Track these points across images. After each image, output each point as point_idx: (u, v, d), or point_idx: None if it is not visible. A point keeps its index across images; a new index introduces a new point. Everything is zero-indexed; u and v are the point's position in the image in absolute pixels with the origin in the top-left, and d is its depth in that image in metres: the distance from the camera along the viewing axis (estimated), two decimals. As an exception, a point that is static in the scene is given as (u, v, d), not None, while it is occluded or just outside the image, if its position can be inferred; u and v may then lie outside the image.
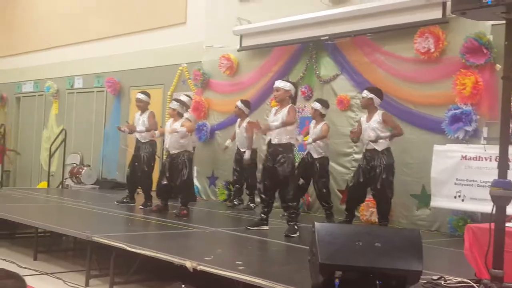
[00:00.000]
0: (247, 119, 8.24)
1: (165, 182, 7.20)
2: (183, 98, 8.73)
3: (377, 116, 6.40)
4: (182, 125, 7.10)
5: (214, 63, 9.60)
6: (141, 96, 8.00)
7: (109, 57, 12.02)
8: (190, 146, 7.34)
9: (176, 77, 10.51)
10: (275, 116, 6.02)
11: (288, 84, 6.12)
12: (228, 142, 8.55)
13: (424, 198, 6.74)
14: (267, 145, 6.16)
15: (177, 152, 7.11)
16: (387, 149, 6.38)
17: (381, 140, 6.32)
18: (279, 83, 6.12)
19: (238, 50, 9.24)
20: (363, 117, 6.61)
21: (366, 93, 6.48)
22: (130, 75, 11.53)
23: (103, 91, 12.19)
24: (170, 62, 10.55)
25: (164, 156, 9.81)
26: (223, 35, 9.50)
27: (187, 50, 10.26)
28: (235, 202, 8.36)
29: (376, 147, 6.35)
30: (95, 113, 12.43)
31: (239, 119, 8.40)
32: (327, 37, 7.86)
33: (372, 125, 6.36)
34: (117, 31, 11.92)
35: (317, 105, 7.22)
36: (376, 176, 6.29)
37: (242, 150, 8.19)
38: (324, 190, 7.05)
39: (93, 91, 12.51)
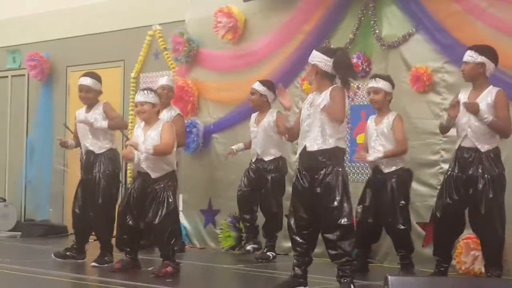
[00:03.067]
0: (274, 111, 8.46)
1: (131, 222, 7.35)
2: (166, 81, 9.04)
3: (489, 93, 6.58)
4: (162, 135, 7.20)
5: (205, 23, 9.78)
6: (87, 81, 8.17)
7: (29, 19, 12.15)
8: (175, 164, 7.54)
9: (144, 47, 10.70)
10: (312, 106, 6.25)
11: (323, 56, 6.25)
12: (239, 146, 8.78)
13: None
14: (300, 155, 6.35)
15: (159, 175, 7.27)
16: (495, 151, 6.55)
17: (487, 135, 6.49)
18: (315, 57, 6.29)
19: (246, 0, 9.40)
20: (463, 93, 6.79)
21: (472, 54, 6.62)
22: (66, 48, 11.68)
23: (23, 74, 12.36)
24: (133, 23, 10.72)
25: (129, 179, 10.03)
26: (219, -23, 9.71)
27: (161, 3, 10.42)
28: (248, 248, 8.58)
29: (478, 144, 6.53)
30: (10, 110, 12.64)
31: (257, 113, 8.63)
32: (392, -27, 8.09)
33: (481, 107, 6.53)
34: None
35: (380, 83, 7.34)
36: (477, 194, 6.46)
37: (265, 159, 8.44)
38: (402, 227, 7.21)
39: (7, 76, 12.72)
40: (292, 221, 6.31)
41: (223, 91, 9.73)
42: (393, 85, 7.42)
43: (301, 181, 6.26)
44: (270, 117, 8.42)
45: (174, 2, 10.24)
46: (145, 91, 7.36)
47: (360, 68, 8.41)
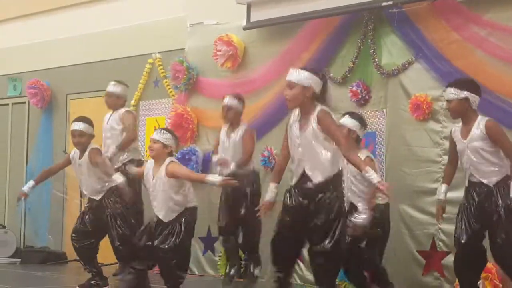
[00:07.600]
0: (243, 126, 8.34)
1: None
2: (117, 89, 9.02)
3: (478, 126, 6.35)
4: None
5: (205, 51, 9.73)
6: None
7: (30, 47, 12.14)
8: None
9: (144, 75, 10.64)
10: (304, 132, 6.05)
11: (315, 77, 6.01)
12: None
13: None
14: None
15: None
16: (504, 181, 6.27)
17: (491, 168, 6.28)
18: (308, 78, 5.97)
19: (245, 29, 9.35)
20: (456, 129, 6.59)
21: (454, 91, 6.41)
22: (67, 76, 11.66)
23: (23, 102, 12.35)
24: (133, 51, 10.69)
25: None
26: (219, 5, 9.64)
27: (161, 32, 10.38)
28: (231, 273, 8.40)
29: (484, 180, 6.31)
30: (10, 138, 12.59)
31: (227, 125, 8.46)
32: (391, 2, 7.89)
33: (473, 143, 6.34)
34: (41, 5, 12.12)
35: (350, 121, 7.09)
36: (493, 225, 6.23)
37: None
38: None
39: (7, 103, 12.69)
40: None
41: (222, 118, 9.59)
42: (362, 123, 7.20)
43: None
44: (238, 133, 8.31)
45: (174, 31, 10.20)
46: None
47: (360, 96, 8.31)
